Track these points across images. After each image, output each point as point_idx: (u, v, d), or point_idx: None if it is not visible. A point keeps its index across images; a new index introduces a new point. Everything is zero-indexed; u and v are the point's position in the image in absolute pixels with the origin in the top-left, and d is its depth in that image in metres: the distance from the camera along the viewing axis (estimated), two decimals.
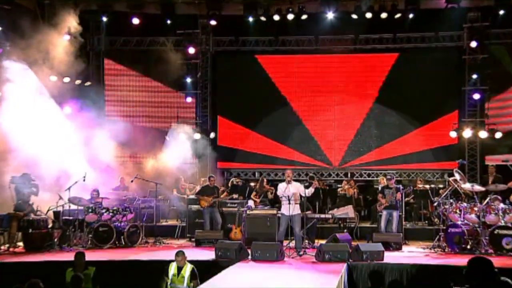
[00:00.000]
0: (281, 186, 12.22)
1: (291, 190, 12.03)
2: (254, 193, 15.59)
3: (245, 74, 19.13)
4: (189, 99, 18.89)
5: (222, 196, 14.50)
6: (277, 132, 18.81)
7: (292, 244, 12.18)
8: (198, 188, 15.98)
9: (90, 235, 12.88)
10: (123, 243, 13.22)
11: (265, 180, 16.42)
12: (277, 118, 18.81)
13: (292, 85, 18.95)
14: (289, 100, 18.88)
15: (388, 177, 13.98)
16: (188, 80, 18.81)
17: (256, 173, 18.99)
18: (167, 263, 9.50)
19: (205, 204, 13.92)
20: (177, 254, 9.32)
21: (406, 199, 15.54)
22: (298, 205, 12.06)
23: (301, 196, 12.29)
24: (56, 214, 13.51)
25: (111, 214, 13.32)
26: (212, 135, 18.75)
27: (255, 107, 18.90)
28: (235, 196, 14.78)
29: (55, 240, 12.81)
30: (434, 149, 18.15)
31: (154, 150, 16.71)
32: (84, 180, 13.50)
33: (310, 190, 12.45)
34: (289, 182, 12.13)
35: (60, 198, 13.27)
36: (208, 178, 14.62)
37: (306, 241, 12.64)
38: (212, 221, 14.00)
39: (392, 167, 18.13)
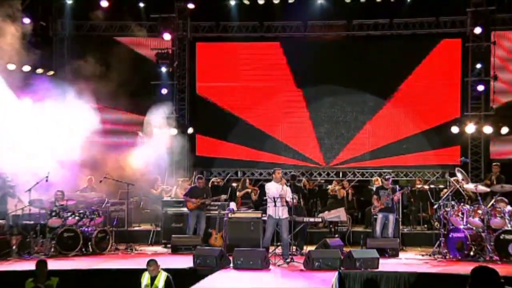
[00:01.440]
0: (273, 187, 12.07)
1: (284, 191, 11.93)
2: (238, 193, 15.57)
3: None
4: (164, 91, 18.62)
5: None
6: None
7: (278, 250, 12.14)
8: (175, 189, 15.92)
9: (53, 242, 12.77)
10: (91, 250, 13.14)
11: (247, 180, 16.37)
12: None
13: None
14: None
15: (387, 177, 13.99)
16: (163, 69, 18.57)
17: (239, 173, 18.94)
18: (139, 272, 9.44)
19: (192, 206, 13.77)
20: (148, 263, 9.28)
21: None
22: (286, 208, 12.00)
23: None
24: (15, 218, 13.36)
25: (77, 218, 13.19)
26: (190, 130, 18.60)
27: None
28: (224, 197, 14.55)
29: (14, 247, 12.68)
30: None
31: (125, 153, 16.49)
32: (47, 180, 13.37)
33: (295, 197, 12.37)
34: (280, 182, 11.99)
35: (19, 200, 13.14)
36: (197, 179, 14.43)
37: (294, 247, 12.61)
38: (195, 226, 13.85)
39: (386, 163, 18.25)
